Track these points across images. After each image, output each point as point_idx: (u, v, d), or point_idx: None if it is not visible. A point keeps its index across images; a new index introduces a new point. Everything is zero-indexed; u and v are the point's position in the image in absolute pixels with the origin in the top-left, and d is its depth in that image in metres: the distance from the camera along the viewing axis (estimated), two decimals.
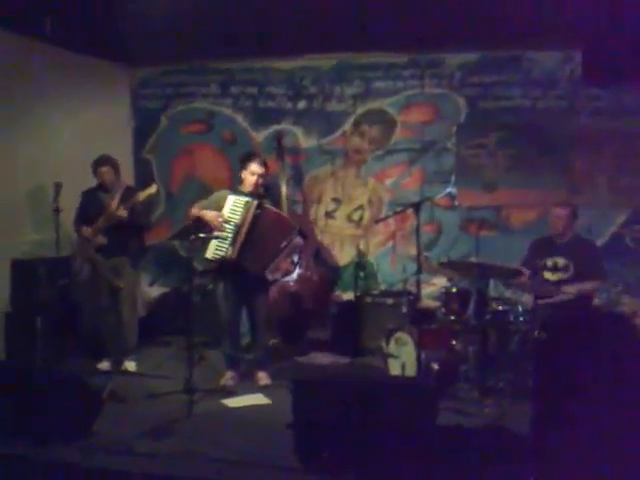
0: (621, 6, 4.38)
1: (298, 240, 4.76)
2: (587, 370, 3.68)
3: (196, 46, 6.18)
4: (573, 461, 2.98)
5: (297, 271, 5.91)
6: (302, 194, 6.55)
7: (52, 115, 5.86)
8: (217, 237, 4.59)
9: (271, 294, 5.59)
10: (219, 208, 4.68)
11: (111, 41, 6.07)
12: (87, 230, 5.03)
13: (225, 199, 4.69)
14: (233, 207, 4.65)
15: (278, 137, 6.25)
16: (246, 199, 4.66)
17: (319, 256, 6.34)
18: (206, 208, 4.72)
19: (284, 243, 4.63)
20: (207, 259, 4.67)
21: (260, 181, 4.75)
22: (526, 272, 4.82)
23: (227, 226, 4.61)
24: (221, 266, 4.70)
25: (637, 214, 5.79)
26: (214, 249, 4.62)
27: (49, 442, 3.57)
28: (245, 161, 4.80)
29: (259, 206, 4.63)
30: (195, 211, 4.71)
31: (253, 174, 4.73)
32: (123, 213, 4.88)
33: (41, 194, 5.53)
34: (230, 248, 4.59)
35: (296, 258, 5.18)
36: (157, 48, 6.24)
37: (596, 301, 4.96)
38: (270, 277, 4.75)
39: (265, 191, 4.94)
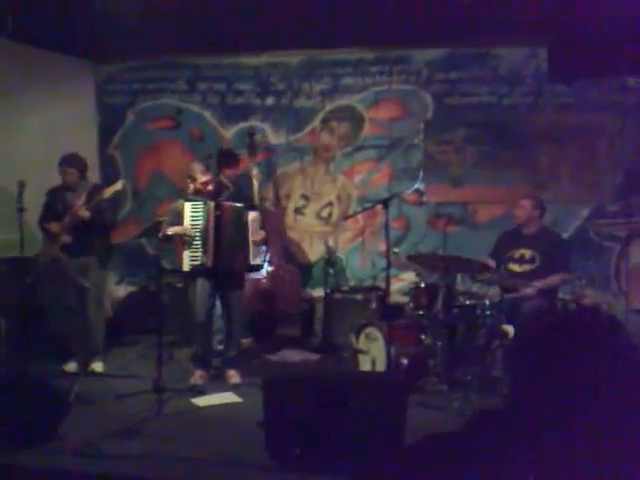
0: (586, 2, 4.44)
1: (253, 215, 4.73)
2: (554, 363, 3.73)
3: (163, 42, 6.11)
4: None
5: (268, 268, 5.92)
6: (273, 190, 6.52)
7: (16, 112, 5.75)
8: (190, 246, 4.59)
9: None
10: (181, 218, 4.67)
11: (76, 37, 5.97)
12: (54, 226, 4.95)
13: (182, 208, 4.69)
14: (193, 213, 4.67)
15: (250, 133, 6.22)
16: (202, 202, 4.67)
17: (289, 253, 6.34)
18: (172, 223, 4.71)
19: (244, 228, 4.65)
20: (186, 271, 4.69)
21: (203, 180, 4.73)
22: (493, 265, 4.87)
23: (195, 233, 4.62)
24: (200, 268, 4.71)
25: (601, 208, 5.90)
26: (189, 260, 4.63)
27: (15, 446, 3.51)
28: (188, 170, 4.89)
29: (217, 206, 4.64)
30: (163, 231, 4.69)
31: (193, 180, 4.76)
32: (84, 214, 4.81)
33: (4, 193, 5.41)
34: (204, 256, 4.60)
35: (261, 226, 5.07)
36: (123, 44, 6.15)
37: (560, 294, 5.04)
38: (259, 261, 4.80)
39: (237, 187, 4.94)
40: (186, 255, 4.63)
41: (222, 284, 4.75)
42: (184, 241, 4.60)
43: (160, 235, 4.66)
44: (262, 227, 4.80)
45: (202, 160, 4.93)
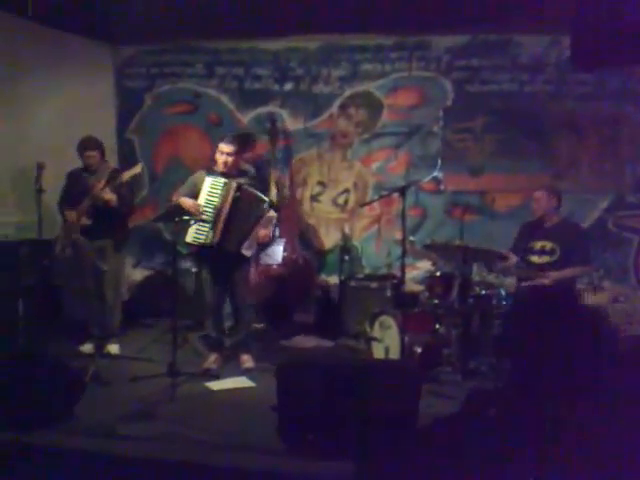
0: None
1: (271, 212, 4.70)
2: (567, 351, 3.72)
3: (182, 25, 6.10)
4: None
5: (283, 254, 5.92)
6: (289, 177, 6.50)
7: (35, 94, 5.77)
8: (200, 220, 4.57)
9: (257, 277, 5.58)
10: (198, 190, 4.64)
11: (95, 19, 5.97)
12: (72, 214, 4.97)
13: (203, 181, 4.66)
14: (211, 189, 4.62)
15: (272, 120, 6.18)
16: (225, 180, 4.62)
17: (305, 239, 6.34)
18: (186, 192, 4.68)
19: (256, 218, 4.63)
20: (187, 243, 4.67)
21: (229, 160, 4.65)
22: (509, 255, 4.82)
23: (207, 209, 4.58)
24: (203, 249, 4.70)
25: (620, 200, 5.83)
26: (194, 233, 4.61)
27: (32, 425, 3.55)
28: (217, 142, 4.79)
29: (239, 188, 4.61)
30: (175, 198, 4.67)
31: (222, 153, 4.67)
32: (112, 197, 4.81)
33: (23, 175, 5.46)
34: (211, 232, 4.58)
35: (273, 229, 5.02)
36: (142, 27, 6.15)
37: (578, 286, 4.99)
38: (248, 253, 4.69)
39: (257, 172, 4.92)
40: (193, 229, 4.60)
41: (226, 265, 4.72)
42: (192, 214, 4.53)
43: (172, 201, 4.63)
44: (274, 226, 4.75)
45: (230, 137, 4.86)
